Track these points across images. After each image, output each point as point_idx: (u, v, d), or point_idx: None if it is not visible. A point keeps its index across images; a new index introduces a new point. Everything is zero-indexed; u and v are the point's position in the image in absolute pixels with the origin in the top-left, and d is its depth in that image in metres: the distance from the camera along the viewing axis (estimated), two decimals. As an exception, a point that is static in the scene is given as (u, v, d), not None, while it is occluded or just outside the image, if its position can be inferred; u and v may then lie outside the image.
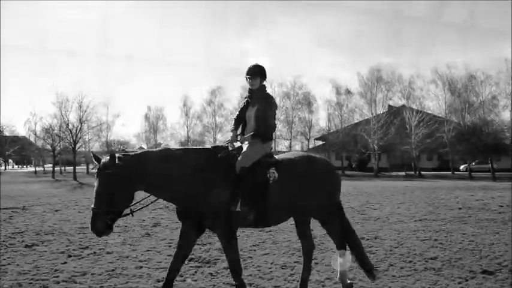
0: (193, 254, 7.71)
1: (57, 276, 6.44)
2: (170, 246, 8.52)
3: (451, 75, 50.91)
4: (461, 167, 54.55)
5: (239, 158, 5.00)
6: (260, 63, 5.39)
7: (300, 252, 7.92)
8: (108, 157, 4.59)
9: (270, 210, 5.01)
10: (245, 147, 5.16)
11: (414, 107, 51.78)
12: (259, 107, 5.23)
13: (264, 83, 5.42)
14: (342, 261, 5.54)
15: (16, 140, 73.88)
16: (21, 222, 12.14)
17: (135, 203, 4.82)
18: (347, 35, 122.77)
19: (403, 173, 52.20)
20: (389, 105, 54.26)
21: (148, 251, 8.22)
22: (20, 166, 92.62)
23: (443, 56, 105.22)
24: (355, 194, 21.12)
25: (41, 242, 9.14)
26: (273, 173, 5.06)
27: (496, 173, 44.76)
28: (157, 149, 5.08)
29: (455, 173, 51.57)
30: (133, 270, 6.76)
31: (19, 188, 29.06)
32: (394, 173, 53.34)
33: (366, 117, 53.80)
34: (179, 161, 4.86)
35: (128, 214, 4.78)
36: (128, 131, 76.72)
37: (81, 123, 43.06)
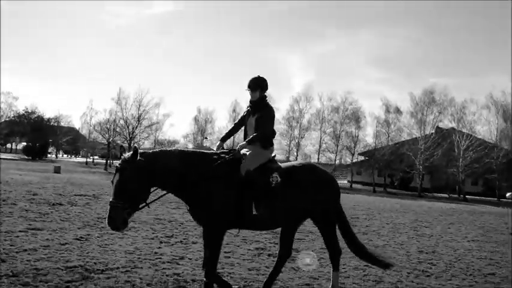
0: (269, 251, 8.69)
1: (160, 258, 7.47)
2: (245, 241, 9.49)
3: (506, 102, 50.33)
4: (508, 195, 53.38)
5: (243, 162, 5.28)
6: (261, 76, 5.72)
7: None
8: (131, 152, 4.78)
9: (270, 212, 5.28)
10: (248, 152, 5.42)
11: (465, 131, 51.36)
12: (258, 116, 5.54)
13: (265, 93, 5.71)
14: (334, 275, 5.93)
15: (70, 131, 77.52)
16: (100, 208, 13.39)
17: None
18: (395, 52, 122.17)
19: (446, 195, 51.67)
20: (437, 127, 53.99)
21: (228, 244, 9.20)
22: (69, 156, 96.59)
23: (499, 81, 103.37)
24: (402, 211, 21.59)
25: (128, 229, 10.26)
26: (276, 177, 5.32)
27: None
28: (173, 148, 5.33)
29: (501, 200, 50.59)
30: (223, 259, 7.74)
31: (80, 177, 30.97)
32: (437, 194, 52.84)
33: (413, 137, 53.72)
34: (193, 163, 5.14)
35: (144, 206, 5.01)
36: (177, 131, 78.93)
37: (139, 121, 45.10)
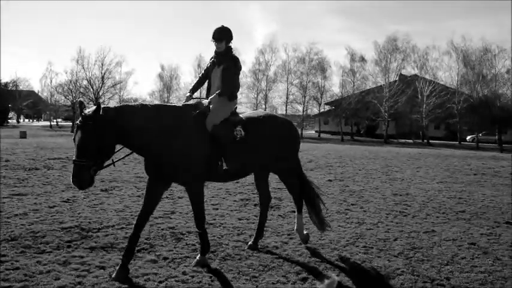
0: (254, 201, 9.04)
1: (151, 214, 7.71)
2: (229, 193, 9.82)
3: (466, 47, 51.50)
4: (468, 138, 55.70)
5: (208, 116, 5.22)
6: (226, 26, 5.52)
7: (347, 202, 9.32)
8: (93, 108, 4.54)
9: (237, 165, 5.35)
10: (212, 106, 5.34)
11: (427, 77, 52.59)
12: (225, 67, 5.42)
13: (230, 44, 5.57)
14: (298, 217, 6.17)
15: (29, 94, 75.06)
16: (78, 171, 13.40)
17: (117, 151, 4.93)
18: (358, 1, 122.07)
19: (411, 141, 53.47)
20: (400, 74, 55.06)
21: (213, 197, 9.52)
22: (30, 120, 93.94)
23: (459, 26, 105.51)
24: (372, 157, 22.34)
25: (112, 188, 10.41)
26: (240, 130, 5.32)
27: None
28: (136, 103, 5.05)
29: (462, 143, 52.78)
30: (212, 211, 8.07)
31: (48, 141, 30.35)
32: (402, 140, 54.60)
33: (378, 85, 54.75)
34: (158, 117, 4.96)
35: (110, 164, 4.85)
36: (141, 89, 77.72)
37: (103, 80, 44.14)
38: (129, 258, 4.97)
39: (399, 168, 16.86)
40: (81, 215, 7.46)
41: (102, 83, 44.31)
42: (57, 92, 56.60)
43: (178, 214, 7.78)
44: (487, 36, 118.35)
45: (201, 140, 5.09)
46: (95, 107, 4.54)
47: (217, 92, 5.36)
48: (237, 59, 5.58)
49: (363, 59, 55.72)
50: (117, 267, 4.88)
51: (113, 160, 4.84)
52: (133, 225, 5.23)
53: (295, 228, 6.24)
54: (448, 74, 54.24)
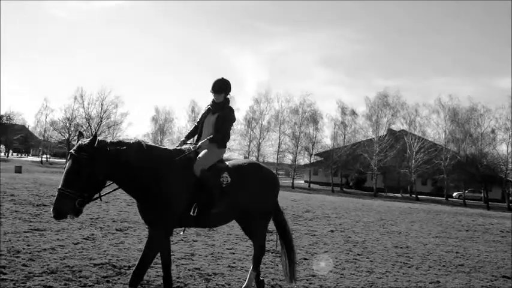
0: (266, 246, 9.53)
1: (173, 255, 8.11)
2: (239, 238, 10.31)
3: (453, 106, 53.63)
4: (454, 194, 56.90)
5: (197, 161, 5.22)
6: (225, 78, 5.70)
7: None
8: (89, 139, 4.49)
9: (220, 212, 5.31)
10: (202, 151, 5.37)
11: (416, 133, 54.31)
12: (220, 116, 5.55)
13: (228, 96, 5.75)
14: (252, 274, 6.03)
15: (21, 129, 75.25)
16: (85, 209, 13.70)
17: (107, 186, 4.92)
18: (346, 54, 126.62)
19: (399, 195, 54.36)
20: (389, 129, 56.71)
21: (225, 242, 10.02)
22: (19, 154, 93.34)
23: (445, 84, 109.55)
24: (366, 210, 23.00)
25: (126, 228, 10.81)
26: (226, 177, 5.37)
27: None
28: (133, 140, 4.98)
29: (449, 199, 53.83)
30: (230, 255, 8.56)
31: (44, 177, 30.58)
32: (391, 194, 55.46)
33: (368, 138, 56.25)
34: (152, 157, 4.93)
35: (97, 198, 4.78)
36: (135, 130, 78.15)
37: (101, 120, 44.85)
38: None
39: (394, 222, 17.49)
40: (107, 253, 7.86)
41: (100, 123, 45.11)
42: (53, 128, 57.03)
43: (198, 256, 8.25)
44: (473, 94, 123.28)
45: (186, 185, 5.06)
46: (92, 137, 4.51)
47: (208, 138, 5.48)
48: (233, 110, 5.76)
49: (353, 113, 57.56)
50: None
51: (100, 194, 4.77)
52: (161, 265, 5.67)
53: (244, 286, 5.98)
54: (435, 131, 56.09)
